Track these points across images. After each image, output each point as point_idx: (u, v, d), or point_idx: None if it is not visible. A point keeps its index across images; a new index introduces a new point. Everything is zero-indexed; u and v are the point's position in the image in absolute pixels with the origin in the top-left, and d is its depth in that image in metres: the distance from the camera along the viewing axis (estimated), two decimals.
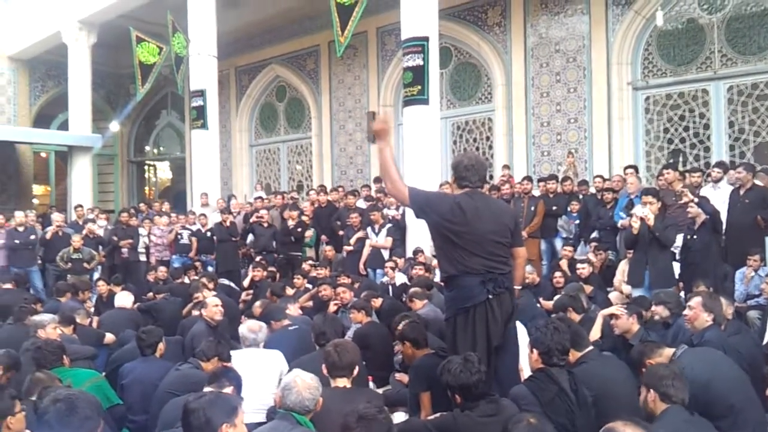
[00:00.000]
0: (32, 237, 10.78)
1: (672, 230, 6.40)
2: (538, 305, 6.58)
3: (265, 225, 10.30)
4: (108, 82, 18.43)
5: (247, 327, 4.62)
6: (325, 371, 3.53)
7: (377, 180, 11.58)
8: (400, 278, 7.77)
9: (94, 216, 12.13)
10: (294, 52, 14.93)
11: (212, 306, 5.47)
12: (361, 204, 10.42)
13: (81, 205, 12.64)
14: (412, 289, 6.11)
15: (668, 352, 3.65)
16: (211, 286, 7.18)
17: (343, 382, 3.50)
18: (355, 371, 3.56)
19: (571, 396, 3.21)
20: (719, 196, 7.16)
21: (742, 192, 6.96)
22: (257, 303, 6.48)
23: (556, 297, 5.96)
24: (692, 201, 6.41)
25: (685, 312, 4.37)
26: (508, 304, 3.62)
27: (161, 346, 4.70)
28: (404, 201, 3.77)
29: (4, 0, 16.71)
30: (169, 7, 12.15)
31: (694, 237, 6.43)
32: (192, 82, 12.04)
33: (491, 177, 11.39)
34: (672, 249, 6.57)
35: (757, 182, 7.10)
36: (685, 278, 6.36)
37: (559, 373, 3.28)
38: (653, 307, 5.02)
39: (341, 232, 9.86)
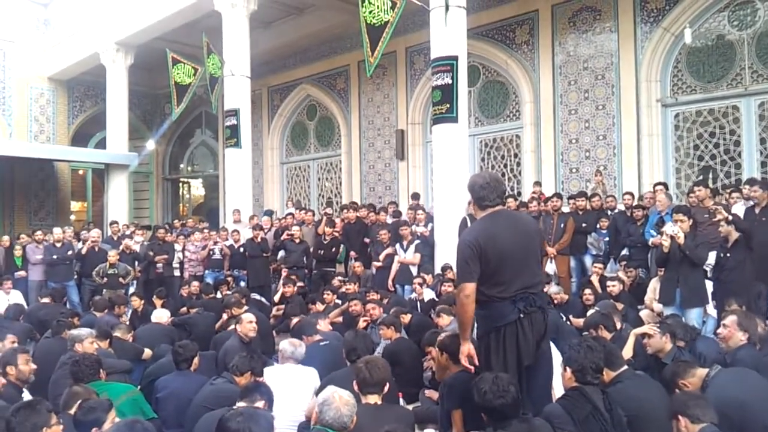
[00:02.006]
0: (69, 252, 11.03)
1: (703, 248, 6.31)
2: (568, 323, 6.54)
3: (297, 241, 10.42)
4: (144, 102, 18.88)
5: (289, 341, 4.75)
6: (356, 388, 3.54)
7: (415, 196, 11.53)
8: (428, 294, 7.78)
9: (131, 232, 12.40)
10: (324, 72, 15.13)
11: (247, 323, 5.55)
12: (389, 220, 10.48)
13: (116, 222, 12.94)
14: (440, 306, 6.12)
15: (701, 372, 3.62)
16: (243, 301, 7.29)
17: (374, 399, 3.51)
18: (386, 388, 3.58)
19: (605, 415, 3.18)
20: None
21: (757, 210, 6.85)
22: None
23: (588, 314, 5.93)
24: (726, 219, 6.33)
25: (720, 330, 4.35)
26: (540, 323, 3.56)
27: (196, 360, 4.80)
28: (472, 287, 3.47)
29: (44, 23, 17.30)
30: (204, 30, 12.45)
31: (728, 255, 6.33)
32: (226, 101, 12.26)
33: (519, 194, 11.37)
34: (705, 267, 6.49)
35: None
36: (718, 297, 6.28)
37: (593, 391, 3.26)
38: None
39: (372, 254, 9.95)
